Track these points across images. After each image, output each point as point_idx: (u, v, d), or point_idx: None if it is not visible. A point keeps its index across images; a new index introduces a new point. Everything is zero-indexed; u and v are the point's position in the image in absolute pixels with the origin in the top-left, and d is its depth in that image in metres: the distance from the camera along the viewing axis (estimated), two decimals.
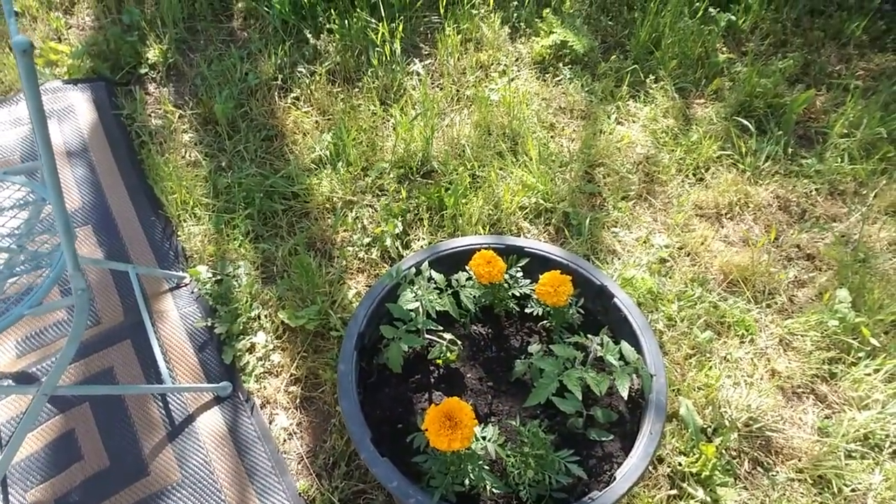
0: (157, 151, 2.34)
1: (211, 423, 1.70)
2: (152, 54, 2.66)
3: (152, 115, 2.51)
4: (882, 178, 2.31)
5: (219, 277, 2.01)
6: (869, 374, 1.80)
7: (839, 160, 2.36)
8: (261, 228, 2.15)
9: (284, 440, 1.70)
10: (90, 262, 1.92)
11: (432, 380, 1.42)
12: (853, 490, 1.61)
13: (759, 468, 1.67)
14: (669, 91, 2.58)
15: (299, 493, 1.59)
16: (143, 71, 2.64)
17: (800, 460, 1.67)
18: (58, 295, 1.93)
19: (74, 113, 2.45)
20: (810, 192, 2.30)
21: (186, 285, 2.01)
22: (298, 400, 1.77)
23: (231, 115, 2.45)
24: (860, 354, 1.85)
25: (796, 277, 2.07)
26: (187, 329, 1.90)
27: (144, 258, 2.06)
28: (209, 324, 1.91)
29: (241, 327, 1.89)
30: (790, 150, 2.41)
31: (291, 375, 1.82)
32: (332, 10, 2.73)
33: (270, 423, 1.74)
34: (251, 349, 1.87)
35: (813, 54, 2.79)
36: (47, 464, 1.59)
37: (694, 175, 2.35)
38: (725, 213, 2.25)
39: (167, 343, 1.86)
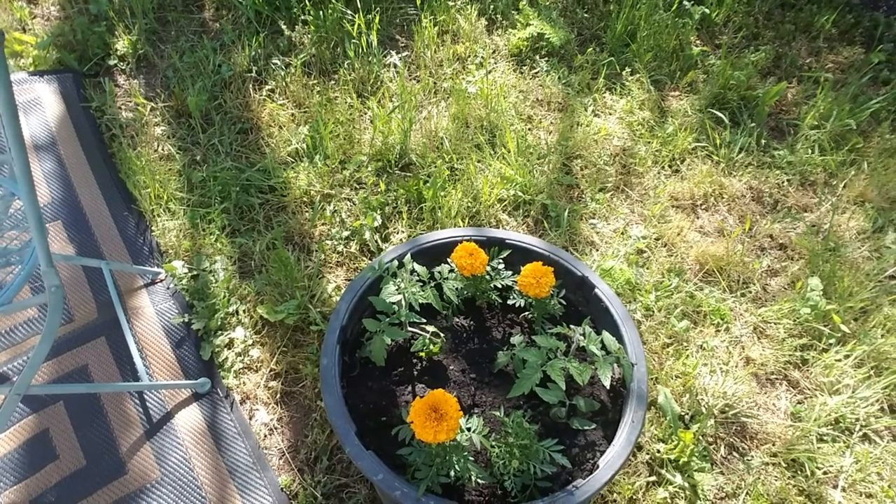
0: (129, 145, 2.29)
1: (190, 420, 1.68)
2: (121, 45, 2.60)
3: (122, 107, 2.45)
4: (851, 168, 2.37)
5: (195, 273, 1.98)
6: (839, 360, 1.85)
7: (810, 151, 2.41)
8: (237, 223, 2.12)
9: (265, 436, 1.69)
10: (62, 259, 1.87)
11: (415, 372, 1.42)
12: (825, 473, 1.65)
13: (734, 453, 1.70)
14: (645, 83, 2.60)
15: (281, 489, 1.58)
16: (112, 62, 2.58)
17: (774, 445, 1.71)
18: (28, 293, 1.89)
19: (41, 105, 2.39)
20: (782, 182, 2.34)
21: (162, 281, 1.98)
22: (279, 395, 1.76)
23: (204, 107, 2.41)
24: (831, 341, 1.90)
25: (769, 266, 2.11)
26: (163, 325, 1.87)
27: (118, 254, 2.01)
28: (186, 320, 1.88)
29: (219, 323, 1.87)
30: (763, 141, 2.45)
31: (271, 370, 1.80)
32: (307, 1, 2.70)
33: (251, 418, 1.72)
34: (230, 345, 1.84)
35: (784, 47, 2.84)
36: (21, 464, 1.55)
37: (670, 167, 2.38)
38: (701, 204, 2.28)
39: (143, 340, 1.83)
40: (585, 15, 2.92)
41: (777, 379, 1.86)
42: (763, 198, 2.31)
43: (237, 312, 1.90)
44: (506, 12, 2.87)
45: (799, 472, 1.66)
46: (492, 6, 2.89)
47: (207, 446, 1.63)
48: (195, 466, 1.59)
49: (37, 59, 2.54)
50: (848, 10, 2.97)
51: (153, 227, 2.10)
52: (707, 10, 2.85)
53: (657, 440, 1.69)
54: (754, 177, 2.35)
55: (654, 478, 1.63)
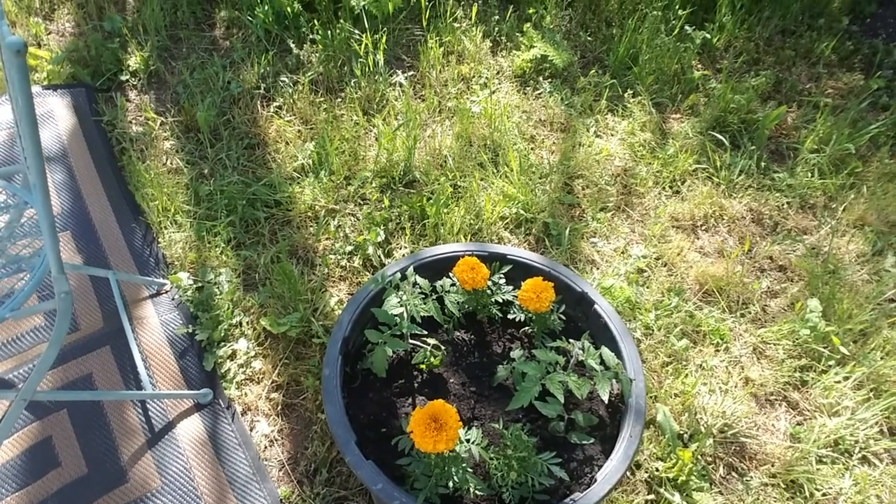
0: (138, 158, 2.33)
1: (191, 430, 1.69)
2: (133, 61, 2.66)
3: (133, 121, 2.50)
4: (850, 192, 2.39)
5: (200, 284, 2.00)
6: (839, 382, 1.85)
7: (809, 175, 2.44)
8: (243, 236, 2.15)
9: (265, 447, 1.70)
10: (70, 268, 1.90)
11: (416, 385, 1.43)
12: (824, 494, 1.65)
13: (733, 473, 1.70)
14: (647, 105, 2.64)
15: (280, 500, 1.58)
16: (124, 78, 2.64)
17: (773, 465, 1.71)
18: (36, 301, 1.91)
19: (54, 118, 2.43)
20: (782, 205, 2.37)
21: (167, 292, 2.00)
22: (280, 407, 1.77)
23: (213, 122, 2.45)
24: (830, 362, 1.90)
25: (769, 288, 2.13)
26: (168, 336, 1.89)
27: (125, 265, 2.04)
28: (190, 330, 1.90)
29: (223, 334, 1.89)
30: (763, 164, 2.48)
31: (273, 382, 1.81)
32: (316, 21, 2.76)
33: (251, 429, 1.73)
34: (232, 356, 1.86)
35: (784, 72, 2.89)
36: (23, 471, 1.56)
37: (670, 187, 2.40)
38: (701, 225, 2.30)
39: (147, 349, 1.85)
40: (588, 38, 2.97)
41: (776, 400, 1.87)
42: (763, 220, 2.33)
43: (240, 324, 1.92)
44: (510, 34, 2.92)
45: (798, 494, 1.66)
46: (496, 28, 2.95)
47: (208, 456, 1.64)
48: (195, 476, 1.60)
49: (51, 73, 2.60)
50: (847, 38, 3.02)
51: (160, 239, 2.13)
52: (708, 35, 2.90)
53: (656, 458, 1.69)
54: (754, 199, 2.38)
55: (652, 496, 1.63)
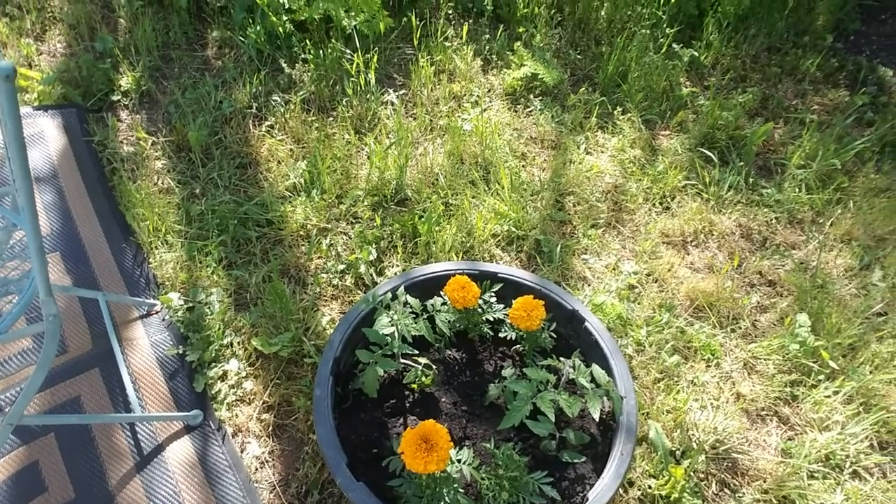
0: (129, 178, 2.33)
1: (180, 453, 1.68)
2: (125, 81, 2.66)
3: (124, 141, 2.50)
4: (837, 207, 2.42)
5: (191, 305, 2.00)
6: (829, 397, 1.86)
7: (797, 190, 2.46)
8: (234, 255, 2.14)
9: (256, 469, 1.68)
10: (59, 290, 1.89)
11: (407, 404, 1.43)
12: None
13: (726, 489, 1.70)
14: (636, 122, 2.67)
15: None
16: (115, 98, 2.64)
17: (765, 481, 1.71)
18: (23, 324, 1.90)
19: (44, 139, 2.43)
20: (770, 220, 2.39)
21: (157, 313, 1.99)
22: (271, 428, 1.76)
23: (205, 142, 2.46)
24: (820, 377, 1.91)
25: (759, 303, 2.14)
26: (158, 357, 1.88)
27: (114, 285, 2.03)
28: (180, 351, 1.89)
29: (213, 355, 1.88)
30: (751, 180, 2.51)
31: (264, 403, 1.80)
32: (308, 41, 2.78)
33: (242, 451, 1.72)
34: (223, 377, 1.85)
35: (771, 89, 2.92)
36: (10, 496, 1.54)
37: (660, 204, 2.42)
38: (691, 241, 2.32)
39: (137, 371, 1.83)
40: (578, 56, 3.00)
41: (767, 415, 1.87)
42: (752, 235, 2.35)
43: (231, 344, 1.92)
44: (501, 53, 2.95)
45: None
46: (487, 47, 2.98)
47: (198, 479, 1.63)
48: (185, 500, 1.58)
49: (42, 94, 2.60)
50: (832, 55, 3.06)
51: (150, 260, 2.12)
52: (696, 53, 2.93)
53: (648, 476, 1.69)
54: (743, 214, 2.40)
55: None
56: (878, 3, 3.38)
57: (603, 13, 3.10)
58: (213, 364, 1.86)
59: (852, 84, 2.96)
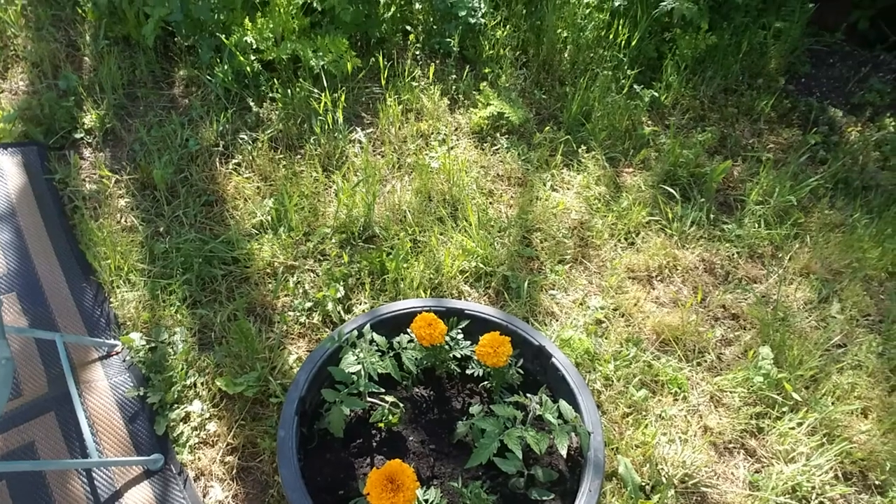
0: (91, 216, 2.29)
1: (140, 499, 1.62)
2: (89, 119, 2.64)
3: (87, 179, 2.47)
4: (795, 242, 2.49)
5: (153, 345, 1.95)
6: (793, 428, 1.89)
7: (756, 226, 2.53)
8: (199, 294, 2.11)
9: None
10: (14, 332, 1.83)
11: (374, 444, 1.41)
12: None
13: None
14: (600, 160, 2.73)
15: None
16: (78, 136, 2.61)
17: None
18: None
19: (3, 177, 2.38)
20: (732, 255, 2.44)
21: (118, 353, 1.94)
22: (235, 470, 1.71)
23: (170, 180, 2.44)
24: (784, 409, 1.94)
25: (723, 336, 2.18)
26: (117, 399, 1.82)
27: (73, 326, 1.98)
28: (141, 393, 1.84)
29: (176, 396, 1.83)
30: (712, 216, 2.57)
31: (228, 445, 1.76)
32: (276, 80, 2.80)
33: (205, 496, 1.66)
34: (186, 418, 1.80)
35: (728, 128, 3.03)
36: None
37: (625, 239, 2.47)
38: (656, 276, 2.36)
39: (95, 414, 1.77)
40: (543, 96, 3.08)
41: (734, 448, 1.88)
42: (715, 269, 2.40)
43: (195, 385, 1.87)
44: (467, 92, 3.01)
45: None
46: (454, 87, 3.03)
47: None
48: None
49: (2, 132, 2.56)
50: (785, 96, 3.19)
51: (112, 299, 2.08)
52: (656, 94, 3.03)
53: None
54: (706, 249, 2.45)
55: None
56: (827, 48, 3.55)
57: (566, 55, 3.19)
58: (176, 405, 1.82)
59: (804, 124, 3.08)
